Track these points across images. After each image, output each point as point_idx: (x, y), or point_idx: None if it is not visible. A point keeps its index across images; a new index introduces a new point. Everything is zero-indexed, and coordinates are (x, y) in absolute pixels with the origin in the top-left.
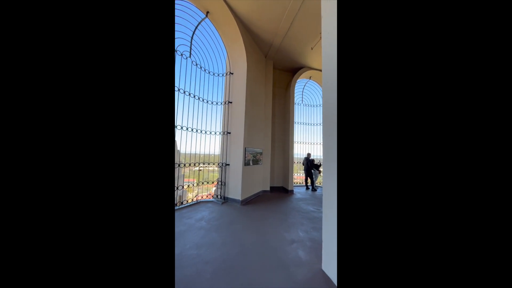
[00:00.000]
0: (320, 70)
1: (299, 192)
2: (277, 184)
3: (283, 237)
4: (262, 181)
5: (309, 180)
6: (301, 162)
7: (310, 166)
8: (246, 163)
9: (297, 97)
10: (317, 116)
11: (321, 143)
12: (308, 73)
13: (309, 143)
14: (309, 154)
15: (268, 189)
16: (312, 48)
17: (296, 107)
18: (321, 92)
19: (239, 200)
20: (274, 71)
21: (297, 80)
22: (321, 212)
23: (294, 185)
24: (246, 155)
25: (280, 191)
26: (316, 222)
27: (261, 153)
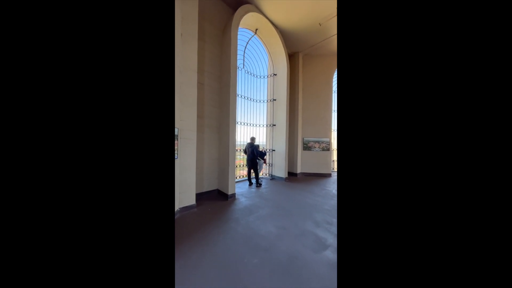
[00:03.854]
0: (272, 23)
1: (242, 193)
2: (210, 187)
3: None
4: (179, 190)
5: (252, 173)
6: (241, 150)
7: (256, 154)
8: None
9: (237, 60)
10: (263, 90)
11: (269, 125)
12: (254, 19)
13: (252, 125)
14: (253, 139)
15: (193, 202)
16: None
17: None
18: (267, 59)
19: None
20: None
21: (240, 28)
22: (300, 241)
23: (235, 180)
24: None
25: (215, 199)
26: None
27: (175, 137)
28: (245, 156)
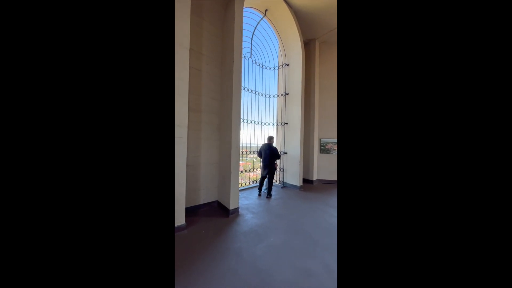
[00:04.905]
0: (285, 1)
1: (248, 206)
2: (208, 198)
3: None
4: None
5: (266, 180)
6: (248, 152)
7: (277, 158)
8: None
9: (243, 48)
10: (273, 83)
11: (280, 124)
12: None
13: (260, 123)
14: (271, 138)
15: (182, 221)
16: None
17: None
18: (277, 47)
19: None
20: None
21: (246, 8)
22: None
23: (239, 188)
24: None
25: (214, 214)
26: None
27: None
28: (252, 158)
